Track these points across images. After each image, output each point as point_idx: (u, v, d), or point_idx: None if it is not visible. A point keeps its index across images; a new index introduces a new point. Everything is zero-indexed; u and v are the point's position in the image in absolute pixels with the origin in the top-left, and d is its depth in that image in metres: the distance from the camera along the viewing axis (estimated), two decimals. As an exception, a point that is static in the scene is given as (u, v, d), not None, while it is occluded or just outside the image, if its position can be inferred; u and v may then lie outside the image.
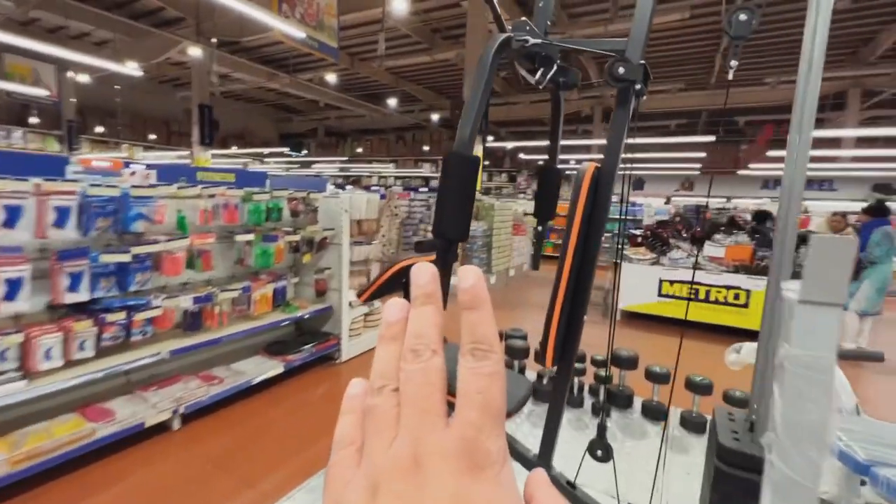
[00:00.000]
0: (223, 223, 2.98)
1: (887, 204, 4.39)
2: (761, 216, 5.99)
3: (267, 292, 3.26)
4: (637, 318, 5.38)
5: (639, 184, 16.92)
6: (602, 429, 1.37)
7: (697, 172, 14.97)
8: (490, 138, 14.20)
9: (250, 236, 3.08)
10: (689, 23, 6.66)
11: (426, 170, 16.09)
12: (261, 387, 3.16)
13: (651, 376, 2.17)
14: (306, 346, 3.50)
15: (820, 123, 11.73)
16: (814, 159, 10.01)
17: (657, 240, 5.61)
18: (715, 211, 10.77)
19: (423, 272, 0.24)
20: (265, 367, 3.19)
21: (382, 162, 16.65)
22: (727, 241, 5.10)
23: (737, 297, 4.79)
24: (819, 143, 11.37)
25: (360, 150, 16.85)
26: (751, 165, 12.74)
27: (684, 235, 5.81)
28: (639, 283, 5.29)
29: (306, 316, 3.50)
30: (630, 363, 2.20)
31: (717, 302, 4.89)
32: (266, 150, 15.58)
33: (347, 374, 3.61)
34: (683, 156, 12.02)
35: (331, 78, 10.52)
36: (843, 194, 15.20)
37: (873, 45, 7.34)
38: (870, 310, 4.16)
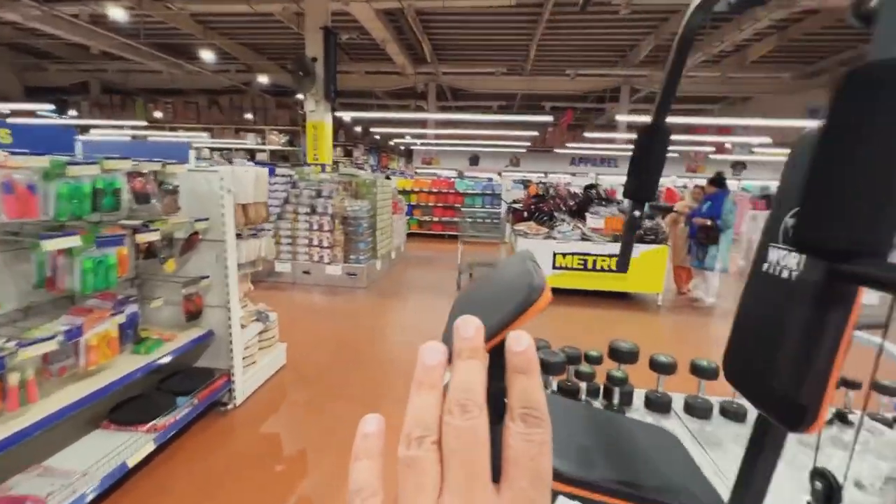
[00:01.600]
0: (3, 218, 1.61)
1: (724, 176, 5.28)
2: (590, 187, 6.83)
3: (108, 330, 1.96)
4: (533, 293, 5.45)
5: (474, 160, 17.86)
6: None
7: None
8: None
9: (71, 240, 1.76)
10: (514, 10, 6.82)
11: (251, 141, 13.67)
12: (117, 483, 1.93)
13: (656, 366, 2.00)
14: (183, 398, 2.30)
15: (600, 113, 14.27)
16: (601, 140, 12.05)
17: (542, 214, 5.74)
18: (544, 185, 12.07)
19: (470, 325, 0.24)
20: (120, 450, 1.95)
21: (192, 130, 13.48)
22: (605, 212, 5.52)
23: (618, 263, 5.23)
24: (602, 128, 13.70)
25: (158, 114, 13.28)
26: (570, 144, 14.64)
27: (562, 208, 6.11)
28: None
29: (171, 356, 2.27)
30: (632, 357, 2.01)
31: (602, 270, 5.26)
32: (6, 108, 10.92)
33: (249, 427, 2.55)
34: (511, 133, 13.04)
35: (118, 15, 7.63)
36: (623, 170, 18.92)
37: (637, 50, 8.90)
38: (726, 267, 5.06)
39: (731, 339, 1.05)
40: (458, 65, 10.51)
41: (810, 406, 0.73)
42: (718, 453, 1.89)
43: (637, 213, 1.28)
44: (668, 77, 1.20)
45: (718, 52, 8.25)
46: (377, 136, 17.01)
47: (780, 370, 0.81)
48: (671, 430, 1.27)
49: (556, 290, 5.31)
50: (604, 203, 5.84)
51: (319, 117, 6.75)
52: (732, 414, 2.09)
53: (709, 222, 4.78)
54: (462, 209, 9.48)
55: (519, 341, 0.23)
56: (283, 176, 5.77)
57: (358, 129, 16.08)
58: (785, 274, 0.90)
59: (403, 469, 0.21)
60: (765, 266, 0.97)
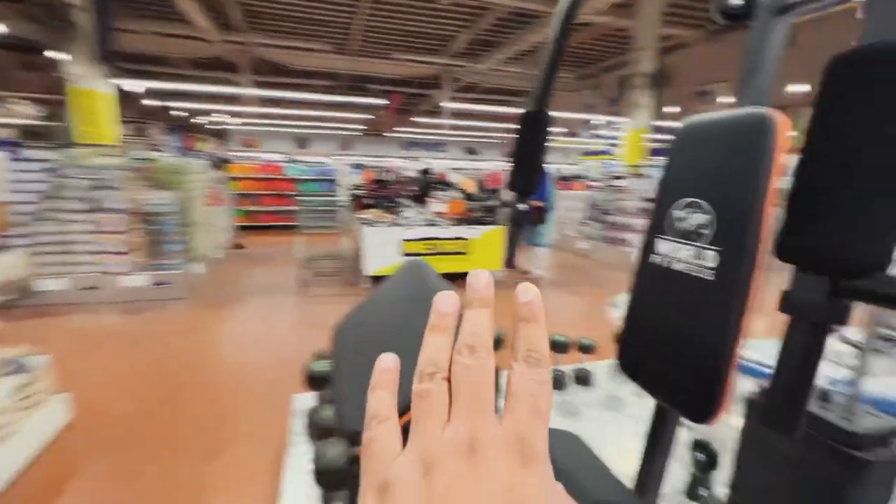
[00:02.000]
0: None
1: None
2: (425, 171, 7.08)
3: None
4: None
5: (302, 143, 16.64)
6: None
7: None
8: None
9: None
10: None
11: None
12: None
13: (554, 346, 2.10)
14: None
15: (425, 98, 14.89)
16: (430, 125, 12.59)
17: (385, 200, 5.59)
18: (382, 170, 11.92)
19: (481, 277, 0.26)
20: None
21: None
22: (446, 196, 5.65)
23: (461, 245, 5.44)
24: (429, 113, 14.35)
25: None
26: (400, 128, 14.75)
27: (402, 194, 6.05)
28: (383, 245, 5.17)
29: None
30: (563, 347, 2.08)
31: (446, 253, 5.41)
32: None
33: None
34: (342, 115, 12.53)
35: None
36: (451, 155, 20.13)
37: (455, 41, 9.57)
38: (551, 243, 5.71)
39: (625, 331, 1.04)
40: (276, 37, 9.42)
41: (717, 398, 0.73)
42: (576, 422, 2.05)
43: (523, 206, 1.21)
44: (548, 63, 1.13)
45: (520, 51, 9.26)
46: (182, 113, 14.28)
47: (684, 364, 0.80)
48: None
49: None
50: (443, 187, 5.98)
51: (91, 84, 5.20)
52: (583, 380, 2.30)
53: (541, 204, 5.32)
54: (298, 198, 8.67)
55: (525, 293, 0.25)
56: (38, 161, 4.25)
57: (156, 104, 13.17)
58: (677, 266, 0.90)
59: (416, 400, 0.24)
60: (654, 258, 0.97)
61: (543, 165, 1.18)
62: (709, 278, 0.77)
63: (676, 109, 14.42)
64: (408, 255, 5.26)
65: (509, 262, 1.26)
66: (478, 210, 5.60)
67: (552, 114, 1.18)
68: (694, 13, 8.63)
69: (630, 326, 1.03)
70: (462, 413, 0.23)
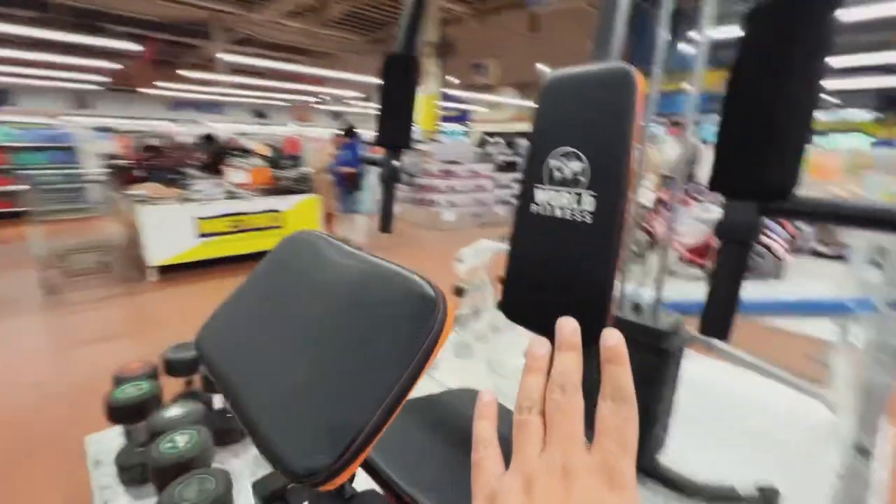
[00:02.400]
0: None
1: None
2: (208, 137, 6.14)
3: None
4: (179, 271, 4.39)
5: (2, 97, 12.09)
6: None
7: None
8: None
9: None
10: None
11: None
12: None
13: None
14: None
15: (192, 49, 12.52)
16: (200, 82, 10.66)
17: (166, 172, 4.56)
18: (139, 133, 9.49)
19: (569, 324, 0.31)
20: None
21: None
22: (247, 165, 4.94)
23: (274, 218, 4.91)
24: (200, 67, 12.27)
25: None
26: (162, 84, 12.04)
27: (187, 164, 5.03)
28: (170, 228, 4.23)
29: None
30: None
31: (257, 229, 4.81)
32: None
33: None
34: (70, 62, 9.43)
35: None
36: (231, 117, 17.65)
37: None
38: (371, 209, 5.60)
39: (508, 277, 1.12)
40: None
41: (601, 325, 0.87)
42: (432, 370, 2.16)
43: (395, 162, 1.13)
44: (413, 1, 1.05)
45: (302, 5, 8.54)
46: None
47: (569, 300, 0.92)
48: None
49: (206, 263, 4.51)
50: (241, 155, 5.22)
51: None
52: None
53: (352, 170, 5.16)
54: (20, 173, 6.20)
55: (611, 338, 0.28)
56: None
57: None
58: (557, 213, 0.99)
59: (517, 429, 0.28)
60: (534, 207, 1.05)
61: (414, 114, 1.12)
62: (588, 221, 0.87)
63: (456, 81, 15.84)
64: (205, 235, 4.47)
65: (385, 228, 1.18)
66: (288, 178, 5.11)
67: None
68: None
69: (513, 273, 1.10)
70: (556, 441, 0.27)
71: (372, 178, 5.27)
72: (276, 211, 4.89)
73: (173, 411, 1.25)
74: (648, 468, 1.29)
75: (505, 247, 2.44)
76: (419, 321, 0.43)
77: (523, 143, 10.23)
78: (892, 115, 9.24)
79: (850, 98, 10.52)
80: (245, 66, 11.11)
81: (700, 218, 4.00)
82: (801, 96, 0.51)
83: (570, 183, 0.92)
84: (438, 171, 6.94)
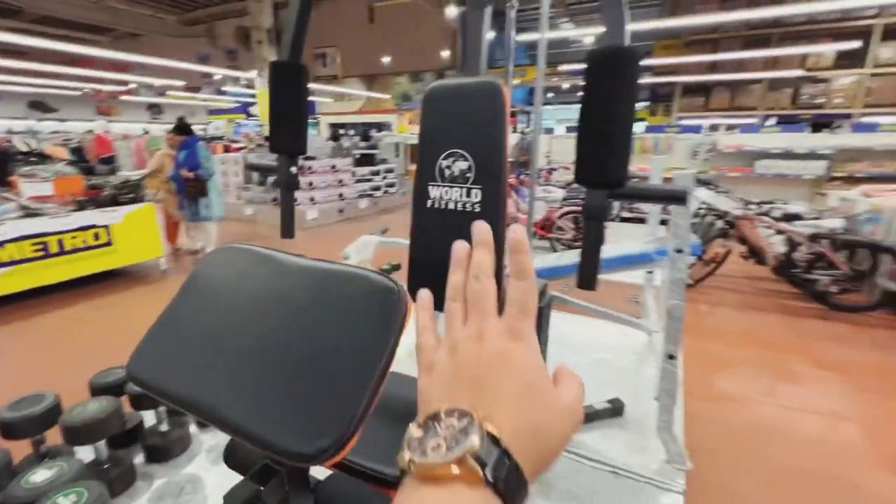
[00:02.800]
0: None
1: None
2: None
3: None
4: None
5: None
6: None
7: None
8: None
9: None
10: None
11: None
12: None
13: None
14: None
15: None
16: None
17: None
18: None
19: (483, 226, 0.40)
20: None
21: None
22: (48, 173, 4.00)
23: (97, 236, 4.11)
24: None
25: None
26: None
27: (-48, 176, 3.86)
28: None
29: None
30: None
31: (78, 250, 3.98)
32: None
33: None
34: None
35: None
36: (3, 112, 13.85)
37: None
38: (223, 214, 5.00)
39: (412, 267, 1.25)
40: None
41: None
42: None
43: (293, 169, 1.14)
44: (298, 7, 1.07)
45: None
46: None
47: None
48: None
49: (8, 299, 3.58)
50: (37, 160, 4.21)
51: None
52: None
53: (192, 174, 4.58)
54: None
55: (515, 232, 0.37)
56: None
57: None
58: (451, 205, 1.15)
59: (447, 315, 0.37)
60: (429, 202, 1.19)
61: (306, 120, 1.15)
62: (478, 210, 1.06)
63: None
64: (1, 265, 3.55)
65: (287, 233, 1.18)
66: (109, 186, 4.31)
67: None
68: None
69: (415, 261, 1.24)
70: (473, 316, 0.36)
71: (221, 179, 4.77)
72: (97, 227, 4.10)
73: (40, 475, 1.08)
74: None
75: (385, 239, 2.54)
76: (388, 309, 0.52)
77: (378, 135, 10.30)
78: (657, 106, 11.90)
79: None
80: (11, 46, 8.69)
81: (543, 198, 4.65)
82: (625, 118, 0.74)
83: (459, 180, 1.09)
84: (294, 167, 6.60)
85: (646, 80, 12.05)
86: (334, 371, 0.51)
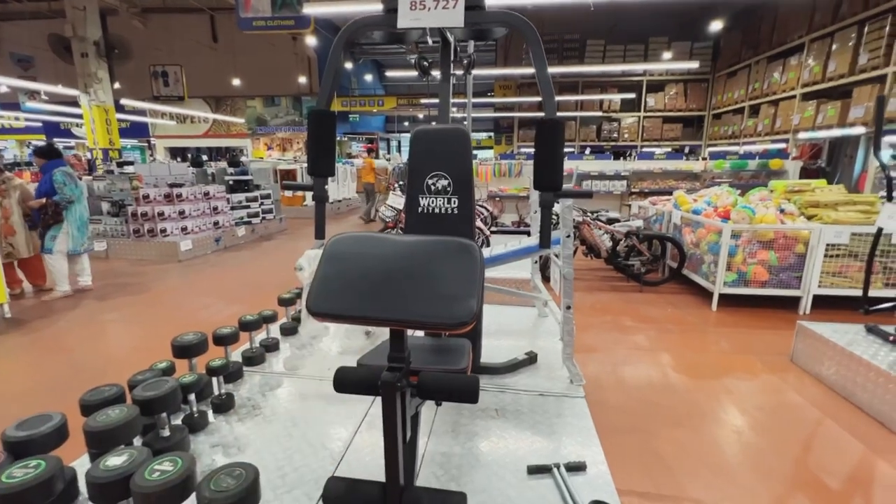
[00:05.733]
0: None
1: (56, 145, 4.30)
2: None
3: None
4: None
5: None
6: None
7: None
8: None
9: None
10: None
11: None
12: None
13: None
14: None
15: None
16: None
17: None
18: None
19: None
20: None
21: None
22: None
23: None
24: None
25: None
26: None
27: None
28: None
29: None
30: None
31: None
32: None
33: None
34: None
35: None
36: None
37: None
38: (80, 248, 4.32)
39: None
40: None
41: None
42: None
43: (326, 186, 1.52)
44: (329, 69, 1.49)
45: None
46: None
47: None
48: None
49: None
50: None
51: None
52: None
53: (44, 201, 4.02)
54: None
55: None
56: None
57: None
58: (437, 210, 1.68)
59: None
60: (420, 209, 1.71)
61: (336, 150, 1.55)
62: (456, 213, 1.61)
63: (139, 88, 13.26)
64: None
65: (319, 235, 1.53)
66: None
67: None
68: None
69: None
70: None
71: (80, 209, 4.27)
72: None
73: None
74: (476, 367, 2.11)
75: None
76: (473, 253, 1.02)
77: (251, 161, 9.89)
78: (501, 136, 14.03)
79: (476, 124, 15.57)
80: None
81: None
82: (559, 153, 1.38)
83: (442, 192, 1.64)
84: (161, 195, 6.06)
85: (489, 114, 14.13)
86: (459, 284, 0.99)
